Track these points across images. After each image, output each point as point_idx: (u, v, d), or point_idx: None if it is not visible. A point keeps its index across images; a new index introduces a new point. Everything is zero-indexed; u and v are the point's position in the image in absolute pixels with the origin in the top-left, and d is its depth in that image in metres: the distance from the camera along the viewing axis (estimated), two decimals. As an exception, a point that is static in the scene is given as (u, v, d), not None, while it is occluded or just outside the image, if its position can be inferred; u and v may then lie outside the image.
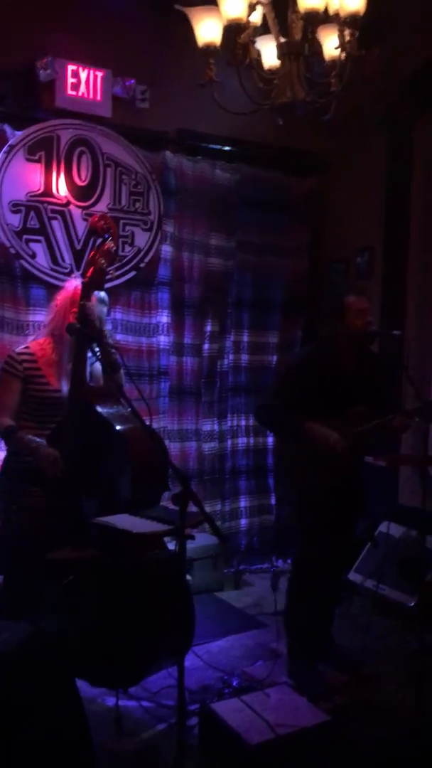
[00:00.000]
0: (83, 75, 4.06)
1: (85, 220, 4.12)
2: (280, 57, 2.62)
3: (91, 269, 2.89)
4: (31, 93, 3.98)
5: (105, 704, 2.91)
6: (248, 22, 2.52)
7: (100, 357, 2.77)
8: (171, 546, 2.93)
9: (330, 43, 2.63)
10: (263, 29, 2.68)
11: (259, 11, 2.62)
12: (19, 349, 3.09)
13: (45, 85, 3.98)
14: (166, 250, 4.44)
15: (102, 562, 2.70)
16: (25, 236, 3.97)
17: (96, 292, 2.97)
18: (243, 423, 4.88)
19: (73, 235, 4.11)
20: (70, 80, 4.02)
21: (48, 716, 2.11)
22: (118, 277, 4.17)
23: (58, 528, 2.82)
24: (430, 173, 4.32)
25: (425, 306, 4.38)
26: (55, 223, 4.05)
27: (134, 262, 4.32)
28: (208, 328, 4.68)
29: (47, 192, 4.03)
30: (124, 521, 2.51)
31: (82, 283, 2.91)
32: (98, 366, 3.00)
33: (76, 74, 4.03)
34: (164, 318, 4.48)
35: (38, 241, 4.01)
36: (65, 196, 4.08)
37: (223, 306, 4.72)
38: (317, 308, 4.97)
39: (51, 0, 3.96)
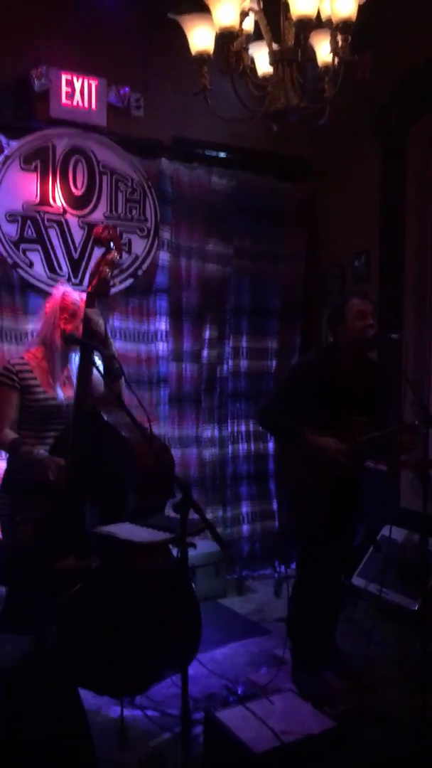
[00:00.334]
0: (78, 84, 4.07)
1: (81, 228, 4.14)
2: (273, 63, 2.62)
3: (96, 279, 2.92)
4: (25, 103, 3.99)
5: (109, 715, 2.90)
6: (241, 29, 2.52)
7: (102, 365, 2.77)
8: (175, 553, 2.92)
9: (323, 49, 2.63)
10: (256, 36, 2.69)
11: (251, 18, 2.63)
12: (14, 360, 3.11)
13: (39, 94, 3.99)
14: (164, 257, 4.44)
15: (108, 571, 2.69)
16: (22, 245, 3.98)
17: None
18: (243, 429, 4.88)
19: (70, 244, 4.12)
20: (65, 89, 4.03)
21: (50, 728, 2.10)
22: (115, 285, 4.17)
23: (60, 538, 2.81)
24: (423, 177, 4.32)
25: (422, 309, 4.38)
26: (52, 232, 4.06)
27: (132, 269, 4.32)
28: (207, 334, 4.68)
29: (44, 201, 4.04)
30: (126, 530, 2.50)
31: (87, 292, 2.93)
32: (97, 374, 3.01)
33: (70, 83, 4.05)
34: (163, 325, 4.48)
35: (35, 250, 4.02)
36: (62, 205, 4.08)
37: (221, 312, 4.72)
38: (315, 313, 4.97)
39: (45, 10, 3.97)
